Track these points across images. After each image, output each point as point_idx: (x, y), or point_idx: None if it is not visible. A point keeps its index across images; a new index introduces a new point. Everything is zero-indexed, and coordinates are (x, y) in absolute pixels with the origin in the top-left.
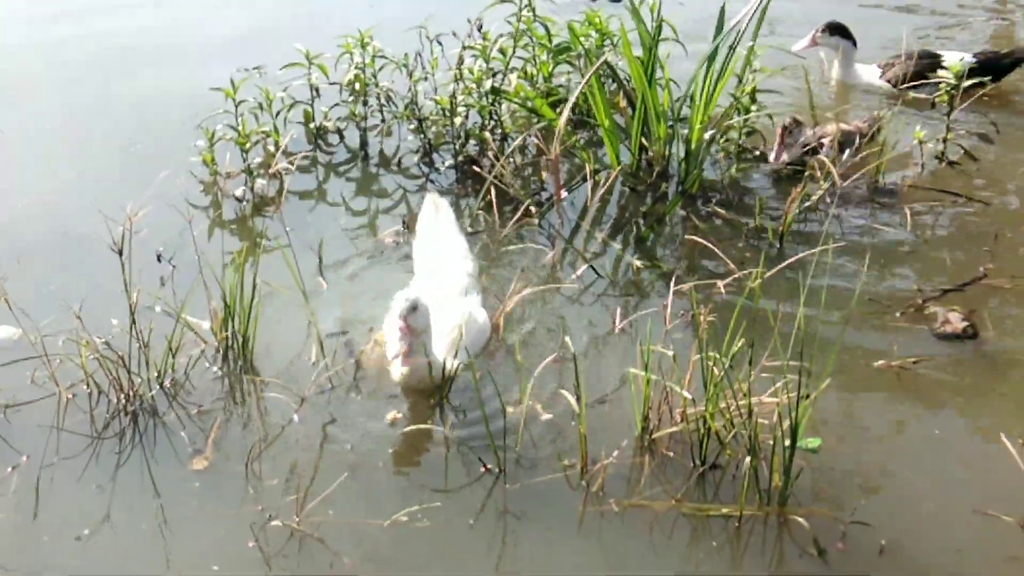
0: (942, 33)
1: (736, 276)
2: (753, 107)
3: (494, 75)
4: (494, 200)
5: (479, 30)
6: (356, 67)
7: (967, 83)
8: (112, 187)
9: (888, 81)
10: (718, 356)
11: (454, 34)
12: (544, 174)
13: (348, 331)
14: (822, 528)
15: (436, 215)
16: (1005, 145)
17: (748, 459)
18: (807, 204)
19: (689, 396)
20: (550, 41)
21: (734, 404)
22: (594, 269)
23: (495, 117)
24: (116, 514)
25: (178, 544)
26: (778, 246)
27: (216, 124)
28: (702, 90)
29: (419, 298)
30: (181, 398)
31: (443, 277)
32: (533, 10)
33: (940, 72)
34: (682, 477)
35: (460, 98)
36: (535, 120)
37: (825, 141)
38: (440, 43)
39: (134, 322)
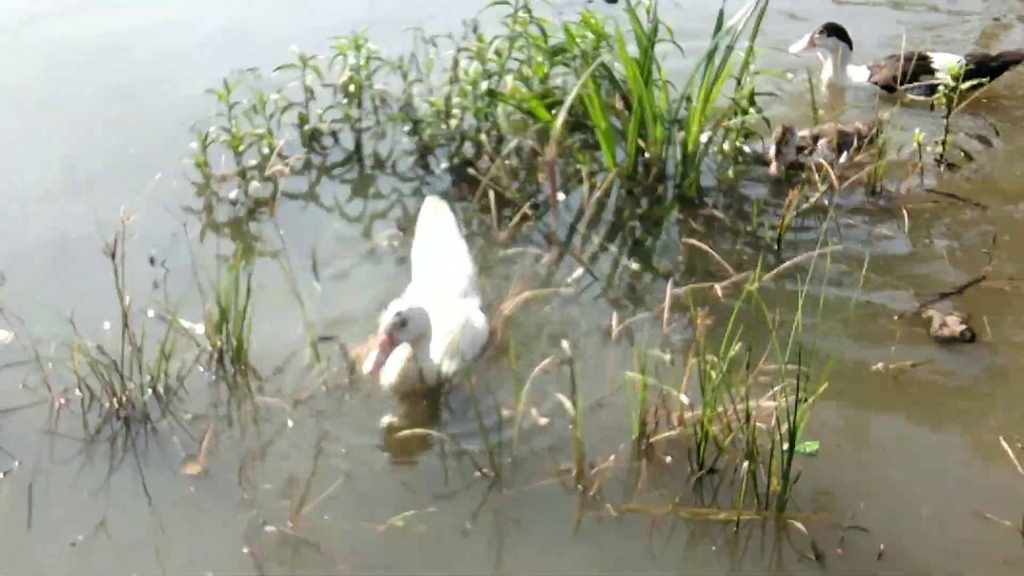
0: (930, 34)
1: (733, 279)
2: (751, 109)
3: (490, 77)
4: (492, 203)
5: (474, 32)
6: (351, 69)
7: (965, 85)
8: (105, 190)
9: (876, 83)
10: (716, 360)
11: (449, 36)
12: (540, 176)
13: (342, 335)
14: (821, 533)
15: (435, 218)
16: (1004, 147)
17: (746, 463)
18: (805, 207)
19: (687, 400)
20: (546, 43)
21: (732, 408)
22: (590, 272)
23: (491, 119)
24: (110, 520)
25: (172, 549)
26: (776, 249)
27: (210, 126)
28: (699, 92)
29: (412, 309)
30: (174, 403)
31: (442, 280)
32: (529, 11)
33: (938, 74)
34: (680, 482)
35: (455, 100)
36: (531, 122)
37: (822, 141)
38: (435, 45)
39: (127, 326)
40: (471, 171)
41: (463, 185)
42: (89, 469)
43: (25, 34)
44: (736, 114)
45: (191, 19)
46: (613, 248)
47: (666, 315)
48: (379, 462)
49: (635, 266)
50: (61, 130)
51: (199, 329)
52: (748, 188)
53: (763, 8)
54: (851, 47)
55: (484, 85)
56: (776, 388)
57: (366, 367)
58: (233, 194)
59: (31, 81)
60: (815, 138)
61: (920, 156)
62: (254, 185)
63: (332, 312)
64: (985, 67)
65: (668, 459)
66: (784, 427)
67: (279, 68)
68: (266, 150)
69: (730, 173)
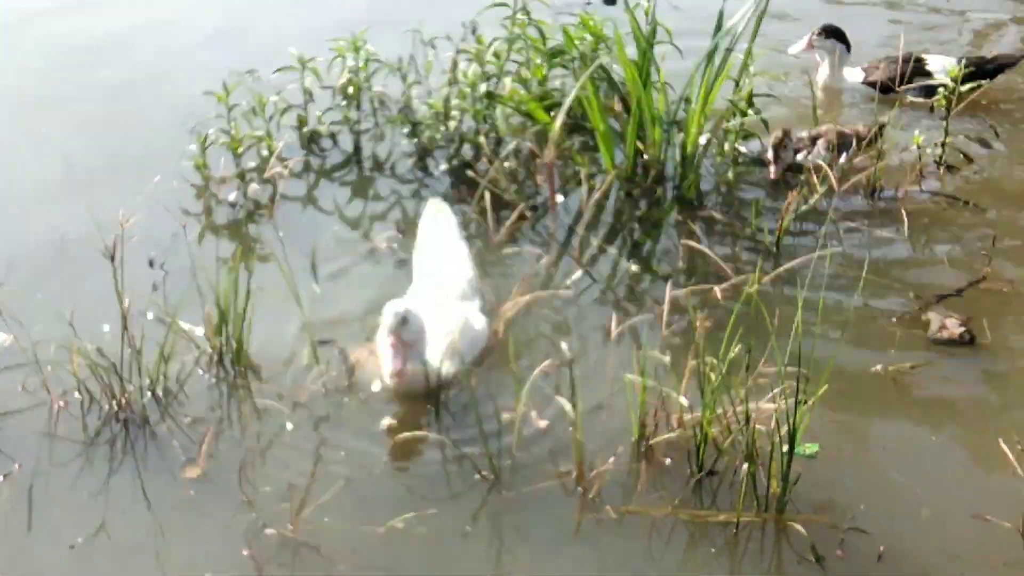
0: (927, 35)
1: (733, 282)
2: (750, 111)
3: (488, 79)
4: (489, 205)
5: (473, 33)
6: (349, 71)
7: (965, 87)
8: (104, 191)
9: (870, 84)
10: (715, 362)
11: (448, 38)
12: (539, 178)
13: (341, 337)
14: (820, 534)
15: (437, 220)
16: (1003, 150)
17: (746, 465)
18: (804, 208)
19: (686, 402)
20: (545, 45)
21: (731, 410)
22: (589, 274)
23: (489, 121)
24: (110, 522)
25: (172, 552)
26: (775, 251)
27: (209, 128)
28: (698, 93)
29: (409, 309)
30: (174, 405)
31: (442, 282)
32: (528, 13)
33: (934, 76)
34: (679, 484)
35: (454, 102)
36: (530, 124)
37: (820, 142)
38: (434, 47)
39: (126, 328)
40: (470, 173)
41: (462, 187)
42: (88, 472)
43: (25, 32)
44: (735, 115)
45: (189, 19)
46: (612, 250)
47: (665, 317)
48: (379, 464)
49: (634, 268)
50: (60, 130)
51: (198, 331)
52: (747, 190)
53: (763, 10)
54: (849, 49)
55: (483, 87)
56: (776, 390)
57: (386, 374)
58: (232, 196)
59: (31, 80)
60: (813, 140)
61: (920, 158)
62: (253, 187)
63: (331, 314)
64: (981, 69)
65: (668, 461)
66: (784, 429)
67: (278, 70)
68: (265, 152)
69: (729, 175)
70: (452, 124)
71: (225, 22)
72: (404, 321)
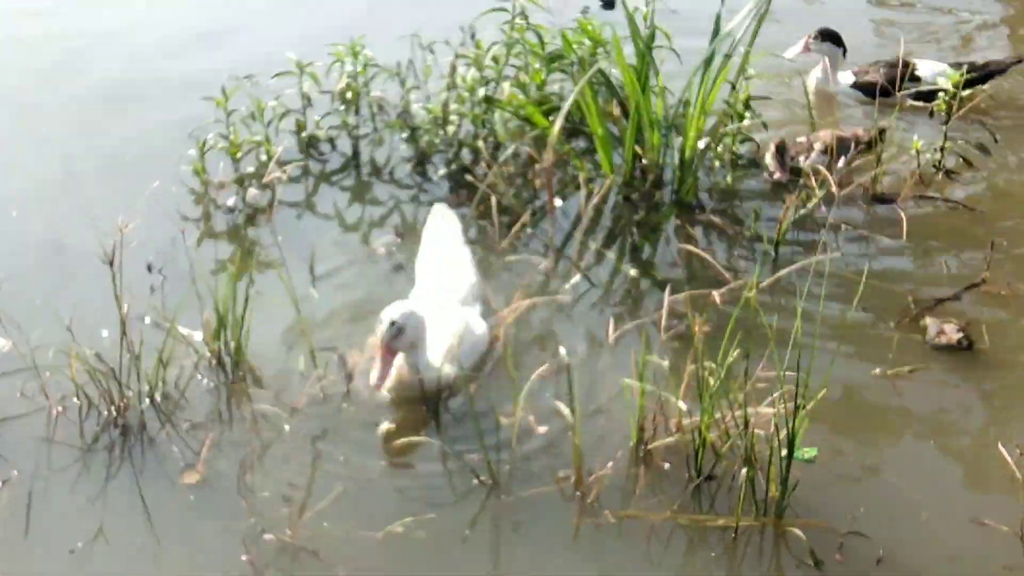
0: (920, 36)
1: (731, 286)
2: (747, 114)
3: (487, 84)
4: (493, 210)
5: (472, 38)
6: (348, 76)
7: (965, 92)
8: (103, 197)
9: (860, 87)
10: (714, 366)
11: (447, 42)
12: (537, 183)
13: (339, 342)
14: (819, 539)
15: (442, 226)
16: (1002, 154)
17: (745, 470)
18: (803, 212)
19: (685, 407)
20: (543, 49)
21: (730, 415)
22: (588, 279)
23: (488, 126)
24: (109, 528)
25: (172, 558)
26: (774, 255)
27: (208, 133)
28: (696, 97)
29: (406, 315)
30: (173, 410)
31: (444, 286)
32: (526, 18)
33: (928, 81)
34: (678, 488)
35: (453, 107)
36: (528, 129)
37: (816, 146)
38: (433, 51)
39: (125, 334)
40: (469, 178)
41: (461, 192)
42: (87, 477)
43: (25, 31)
44: (732, 119)
45: (189, 21)
46: (610, 254)
47: (664, 321)
48: (377, 470)
49: (632, 272)
50: (60, 130)
51: (197, 336)
52: (746, 194)
53: (764, 13)
54: (845, 52)
55: (481, 92)
56: (774, 395)
57: (371, 381)
58: (231, 201)
59: (30, 81)
60: (812, 144)
61: (919, 163)
62: (252, 192)
63: (329, 319)
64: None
65: (666, 466)
66: (782, 433)
67: (277, 75)
68: (264, 157)
69: (728, 179)
70: (451, 129)
71: (223, 26)
72: (399, 331)
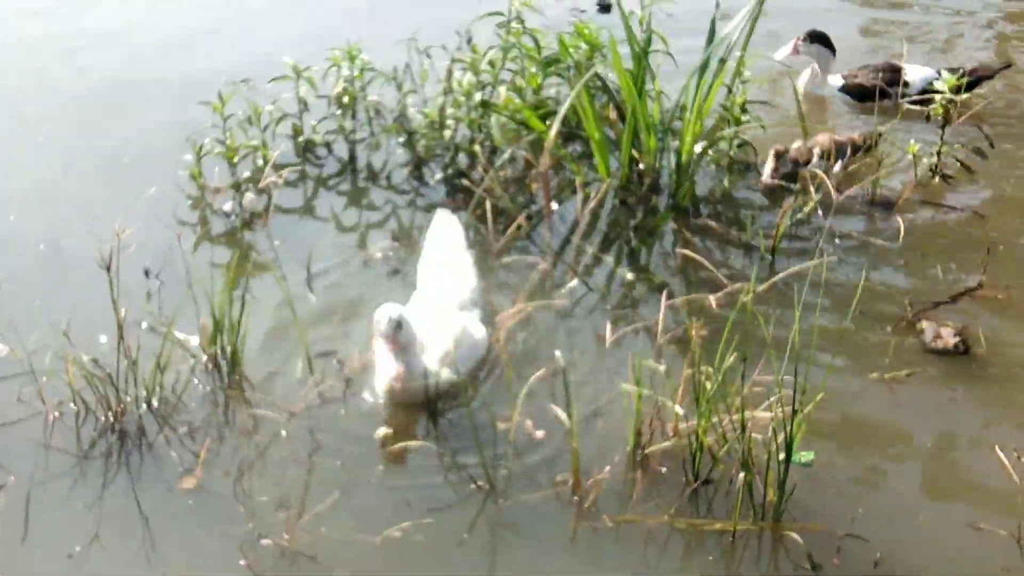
0: (910, 39)
1: (728, 290)
2: (744, 117)
3: (483, 88)
4: (488, 214)
5: (468, 42)
6: (345, 80)
7: (962, 97)
8: (101, 198)
9: (849, 91)
10: (711, 370)
11: (443, 47)
12: (534, 187)
13: (336, 346)
14: (817, 543)
15: (445, 231)
16: (999, 158)
17: (742, 474)
18: (799, 216)
19: (682, 411)
20: (539, 53)
21: (727, 419)
22: (585, 283)
23: (484, 130)
24: (106, 533)
25: (169, 562)
26: (771, 259)
27: (204, 138)
28: (693, 102)
29: (401, 313)
30: (170, 415)
31: (445, 290)
32: (522, 22)
33: (936, 84)
34: (675, 492)
35: (449, 111)
36: (525, 133)
37: (815, 151)
38: (429, 56)
39: (122, 339)
40: (465, 182)
41: (457, 196)
42: (84, 483)
43: (25, 31)
44: (728, 123)
45: (187, 24)
46: (607, 258)
47: (660, 325)
48: (375, 474)
49: (629, 276)
50: (51, 141)
51: (194, 341)
52: (743, 198)
53: (756, 18)
54: (834, 54)
55: (478, 96)
56: (772, 399)
57: (387, 378)
58: (228, 206)
59: (30, 82)
60: (809, 149)
61: (916, 167)
62: (248, 197)
63: (326, 323)
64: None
65: (663, 470)
66: (780, 437)
67: (273, 80)
68: (260, 162)
69: (725, 183)
70: (447, 133)
71: (223, 26)
72: (399, 325)
